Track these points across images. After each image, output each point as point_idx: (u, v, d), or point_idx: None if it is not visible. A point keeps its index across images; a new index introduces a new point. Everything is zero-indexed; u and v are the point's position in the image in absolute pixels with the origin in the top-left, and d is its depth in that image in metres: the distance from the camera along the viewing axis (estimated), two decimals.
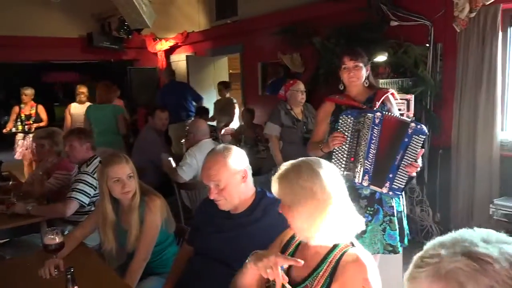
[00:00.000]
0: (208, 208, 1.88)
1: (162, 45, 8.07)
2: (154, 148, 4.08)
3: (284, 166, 1.40)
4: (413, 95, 3.76)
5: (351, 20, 4.41)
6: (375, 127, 2.27)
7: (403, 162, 2.23)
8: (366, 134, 2.30)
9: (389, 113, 2.36)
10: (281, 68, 5.78)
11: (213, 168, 1.72)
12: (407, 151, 2.21)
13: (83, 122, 5.02)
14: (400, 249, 2.49)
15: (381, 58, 3.81)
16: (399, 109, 3.56)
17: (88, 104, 5.51)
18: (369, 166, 2.29)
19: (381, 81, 3.82)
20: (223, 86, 6.51)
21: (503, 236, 0.73)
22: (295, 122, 3.82)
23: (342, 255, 1.31)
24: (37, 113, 6.21)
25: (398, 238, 2.45)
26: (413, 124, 2.21)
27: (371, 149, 2.28)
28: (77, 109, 5.74)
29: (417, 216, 4.02)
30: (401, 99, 3.65)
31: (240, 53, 6.79)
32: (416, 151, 2.22)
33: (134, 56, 8.34)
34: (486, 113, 3.67)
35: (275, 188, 1.38)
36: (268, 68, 6.32)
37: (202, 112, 5.78)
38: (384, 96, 2.51)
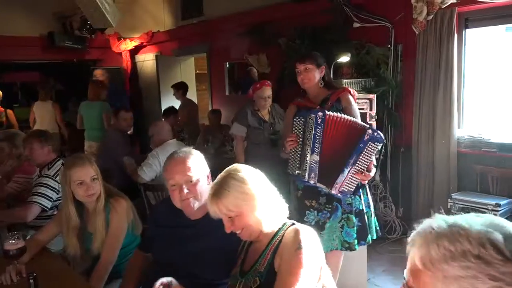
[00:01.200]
0: (163, 216, 1.82)
1: (127, 45, 7.92)
2: (118, 149, 4.02)
3: (213, 186, 1.48)
4: (375, 95, 3.88)
5: (316, 21, 4.50)
6: (318, 127, 2.31)
7: (355, 166, 2.27)
8: (310, 134, 2.35)
9: (337, 113, 2.37)
10: (248, 68, 5.81)
11: (185, 162, 1.71)
12: (361, 157, 2.25)
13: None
14: (357, 247, 2.53)
15: (344, 58, 3.90)
16: (362, 108, 3.67)
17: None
18: (314, 164, 2.34)
19: (344, 81, 3.92)
20: (175, 89, 6.30)
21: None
22: (262, 123, 3.84)
23: (284, 235, 1.45)
24: (7, 119, 5.96)
25: (355, 235, 2.52)
26: (370, 131, 2.24)
27: (315, 148, 2.33)
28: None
29: (381, 212, 4.15)
30: (364, 98, 3.76)
31: (206, 53, 6.77)
32: (370, 157, 2.26)
33: (98, 56, 8.15)
34: (444, 112, 3.83)
35: (214, 209, 1.44)
36: (236, 68, 6.34)
37: (170, 112, 5.69)
38: (340, 95, 2.59)
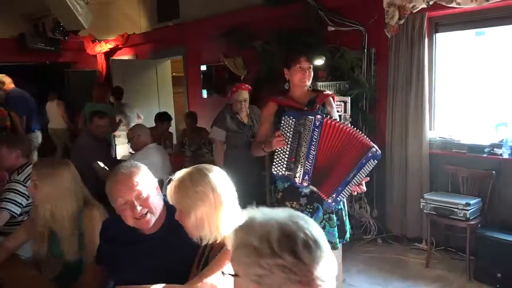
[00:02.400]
0: (116, 232, 1.71)
1: (102, 47, 7.82)
2: (90, 154, 3.94)
3: (178, 174, 1.48)
4: (349, 98, 3.94)
5: (291, 24, 4.53)
6: (316, 129, 2.34)
7: (354, 180, 2.31)
8: (307, 136, 2.37)
9: (338, 121, 2.45)
10: (225, 71, 5.80)
11: (131, 177, 1.59)
12: (360, 172, 2.29)
13: None
14: (339, 245, 2.60)
15: (319, 62, 3.94)
16: (337, 111, 3.72)
17: None
18: (309, 167, 2.36)
19: (319, 83, 3.96)
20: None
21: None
22: (241, 126, 3.84)
23: None
24: (12, 123, 5.81)
25: (337, 234, 2.56)
26: (374, 149, 2.27)
27: (311, 151, 2.36)
28: None
29: (356, 213, 4.20)
30: (338, 101, 3.81)
31: (183, 56, 6.74)
32: (366, 173, 2.31)
33: (71, 58, 8.01)
34: (416, 114, 3.92)
35: (171, 197, 1.45)
36: (213, 71, 6.32)
37: (164, 118, 5.49)
38: (326, 99, 2.63)
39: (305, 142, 2.37)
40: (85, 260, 2.02)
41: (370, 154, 2.28)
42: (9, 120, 5.90)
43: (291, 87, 2.63)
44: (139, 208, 1.57)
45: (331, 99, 2.66)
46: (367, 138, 2.34)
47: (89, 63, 8.10)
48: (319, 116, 2.36)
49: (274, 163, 2.45)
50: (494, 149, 3.62)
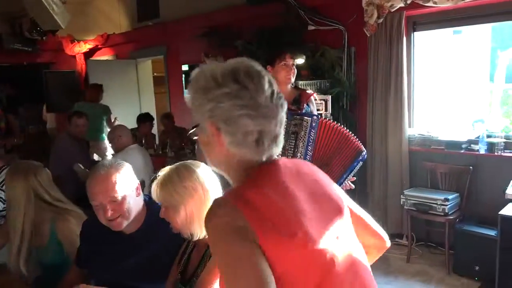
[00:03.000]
0: (96, 233, 1.71)
1: (81, 48, 7.70)
2: (69, 156, 3.88)
3: (163, 171, 1.47)
4: (330, 96, 3.97)
5: (272, 24, 4.55)
6: (312, 130, 2.36)
7: (345, 182, 2.34)
8: (304, 136, 2.38)
9: (331, 120, 2.46)
10: None
11: (109, 179, 1.58)
12: (350, 173, 2.33)
13: None
14: None
15: (300, 60, 3.96)
16: (318, 109, 3.75)
17: None
18: None
19: (300, 82, 3.98)
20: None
21: None
22: None
23: None
24: (7, 125, 5.66)
25: None
26: (364, 153, 2.30)
27: (308, 151, 2.36)
28: None
29: None
30: (319, 99, 3.84)
31: (164, 56, 6.69)
32: (353, 173, 2.34)
33: (50, 58, 7.88)
34: (395, 112, 3.97)
35: (157, 194, 1.43)
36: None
37: (146, 119, 5.43)
38: (309, 98, 2.67)
39: (303, 142, 2.38)
40: (68, 264, 1.99)
41: (360, 157, 2.32)
42: (3, 122, 5.79)
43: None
44: (110, 212, 1.58)
45: (312, 98, 2.70)
46: (357, 139, 2.38)
47: (68, 63, 7.98)
48: (315, 117, 2.39)
49: None
50: (471, 145, 3.70)
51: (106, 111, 5.64)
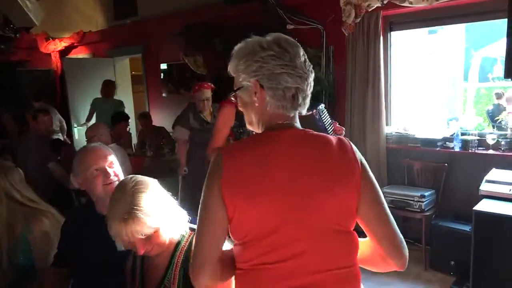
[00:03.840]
0: (76, 226, 1.74)
1: (57, 45, 7.54)
2: (39, 156, 3.77)
3: (120, 207, 1.30)
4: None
5: (251, 22, 4.54)
6: None
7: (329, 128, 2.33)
8: None
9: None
10: (186, 69, 5.74)
11: (102, 149, 1.76)
12: (324, 122, 2.30)
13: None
14: None
15: None
16: None
17: None
18: None
19: None
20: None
21: None
22: (204, 125, 3.83)
23: (190, 243, 1.39)
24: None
25: None
26: (314, 111, 2.26)
27: None
28: None
29: None
30: None
31: (142, 54, 6.61)
32: (328, 118, 2.34)
33: (24, 56, 7.69)
34: (373, 110, 4.03)
35: (127, 233, 1.29)
36: (173, 69, 6.23)
37: (120, 118, 5.32)
38: None
39: None
40: (38, 266, 1.95)
41: (316, 115, 2.31)
42: None
43: None
44: (112, 172, 1.70)
45: None
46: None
47: (43, 62, 7.80)
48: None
49: None
50: (446, 142, 3.78)
51: (120, 105, 5.90)
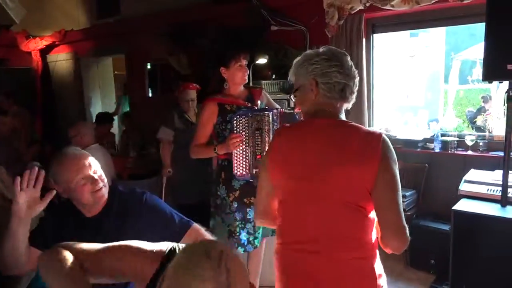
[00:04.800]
0: (57, 221, 1.71)
1: (37, 44, 7.41)
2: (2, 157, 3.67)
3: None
4: (292, 95, 4.01)
5: (235, 23, 4.55)
6: (275, 123, 2.41)
7: None
8: (268, 131, 2.41)
9: (282, 109, 2.57)
10: (171, 69, 5.70)
11: (83, 157, 1.69)
12: None
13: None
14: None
15: (262, 60, 3.99)
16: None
17: None
18: None
19: (263, 82, 4.01)
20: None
21: None
22: (189, 125, 3.82)
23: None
24: None
25: None
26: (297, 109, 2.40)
27: None
28: None
29: None
30: (282, 99, 3.89)
31: (125, 54, 6.54)
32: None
33: (3, 54, 7.52)
34: (356, 111, 4.06)
35: None
36: (157, 69, 6.19)
37: (105, 120, 5.23)
38: (260, 94, 2.71)
39: (268, 136, 2.41)
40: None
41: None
42: None
43: (230, 86, 2.62)
44: (99, 180, 1.66)
45: (263, 93, 2.77)
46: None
47: (23, 60, 7.65)
48: (275, 111, 2.45)
49: (236, 165, 2.44)
50: (427, 143, 3.85)
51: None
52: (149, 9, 5.74)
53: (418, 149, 3.86)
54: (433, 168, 3.78)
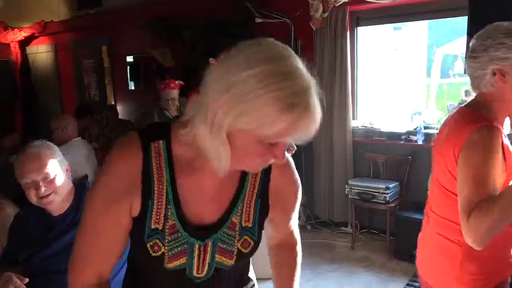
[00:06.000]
0: (24, 226, 1.69)
1: (16, 36, 7.22)
2: None
3: None
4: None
5: (220, 15, 4.51)
6: None
7: None
8: None
9: None
10: (154, 62, 5.63)
11: (41, 157, 1.59)
12: None
13: None
14: None
15: None
16: None
17: None
18: None
19: None
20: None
21: None
22: None
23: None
24: None
25: None
26: None
27: None
28: None
29: None
30: None
31: (107, 46, 6.43)
32: None
33: None
34: (340, 104, 4.10)
35: None
36: (140, 62, 6.10)
37: (85, 112, 5.08)
38: None
39: None
40: None
41: None
42: None
43: None
44: (43, 189, 1.58)
45: None
46: None
47: (2, 52, 7.45)
48: None
49: None
50: (410, 136, 3.90)
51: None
52: (131, 1, 5.63)
53: (402, 142, 3.91)
54: (416, 160, 3.83)
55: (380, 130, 4.07)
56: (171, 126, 0.94)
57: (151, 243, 0.91)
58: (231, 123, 0.77)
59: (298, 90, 0.77)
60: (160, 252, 0.92)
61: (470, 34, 2.58)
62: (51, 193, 1.60)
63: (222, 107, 0.76)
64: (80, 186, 1.74)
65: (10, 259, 1.69)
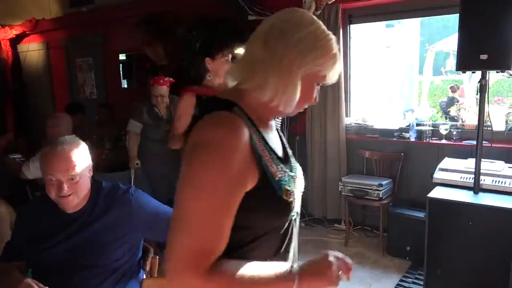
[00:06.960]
0: (33, 219, 1.68)
1: (7, 33, 7.15)
2: None
3: None
4: None
5: (213, 12, 4.49)
6: None
7: None
8: None
9: None
10: (146, 60, 5.59)
11: (70, 158, 1.57)
12: None
13: None
14: None
15: (240, 50, 3.96)
16: None
17: None
18: None
19: None
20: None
21: None
22: (157, 120, 3.77)
23: None
24: None
25: None
26: None
27: None
28: None
29: None
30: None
31: (99, 44, 6.38)
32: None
33: None
34: (333, 101, 4.10)
35: None
36: (133, 60, 6.07)
37: (76, 109, 5.03)
38: None
39: None
40: None
41: None
42: None
43: (212, 77, 2.60)
44: (66, 189, 1.56)
45: None
46: None
47: None
48: None
49: None
50: (402, 133, 3.92)
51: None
52: None
53: (394, 138, 3.93)
54: (409, 157, 3.85)
55: (373, 127, 4.09)
56: (221, 98, 1.01)
57: (284, 193, 1.00)
58: (307, 68, 0.97)
59: (335, 41, 1.03)
60: (292, 197, 1.02)
61: (462, 31, 2.59)
62: (71, 194, 1.58)
63: (297, 57, 0.96)
64: (96, 185, 1.70)
65: (13, 253, 1.67)
